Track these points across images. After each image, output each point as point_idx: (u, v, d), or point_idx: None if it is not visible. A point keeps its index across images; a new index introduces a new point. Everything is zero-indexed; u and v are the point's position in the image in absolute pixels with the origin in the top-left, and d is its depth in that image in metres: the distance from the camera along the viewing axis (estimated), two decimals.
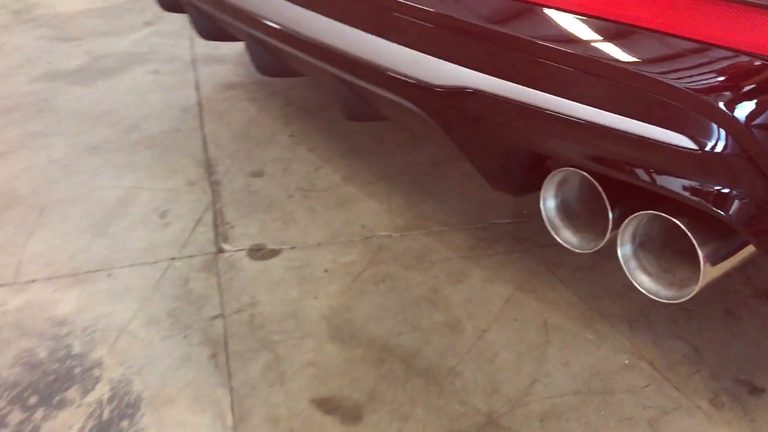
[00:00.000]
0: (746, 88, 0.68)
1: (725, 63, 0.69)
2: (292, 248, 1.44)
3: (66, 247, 1.44)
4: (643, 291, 0.87)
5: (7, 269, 1.39)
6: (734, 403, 1.09)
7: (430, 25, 0.90)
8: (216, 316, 1.27)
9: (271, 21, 1.32)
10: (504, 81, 0.80)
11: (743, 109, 0.68)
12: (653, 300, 0.89)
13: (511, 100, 0.80)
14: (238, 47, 2.33)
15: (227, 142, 1.82)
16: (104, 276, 1.37)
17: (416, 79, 0.89)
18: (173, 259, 1.41)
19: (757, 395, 1.11)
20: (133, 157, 1.76)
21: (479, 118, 0.85)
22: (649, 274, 0.86)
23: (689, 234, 0.76)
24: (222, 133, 1.86)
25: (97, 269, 1.39)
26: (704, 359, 1.17)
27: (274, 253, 1.43)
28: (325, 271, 1.38)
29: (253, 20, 1.38)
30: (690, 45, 0.70)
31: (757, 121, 0.68)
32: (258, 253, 1.43)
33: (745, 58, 0.68)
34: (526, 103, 0.80)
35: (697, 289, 0.78)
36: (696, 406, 1.09)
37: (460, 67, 0.83)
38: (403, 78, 0.91)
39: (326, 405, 1.10)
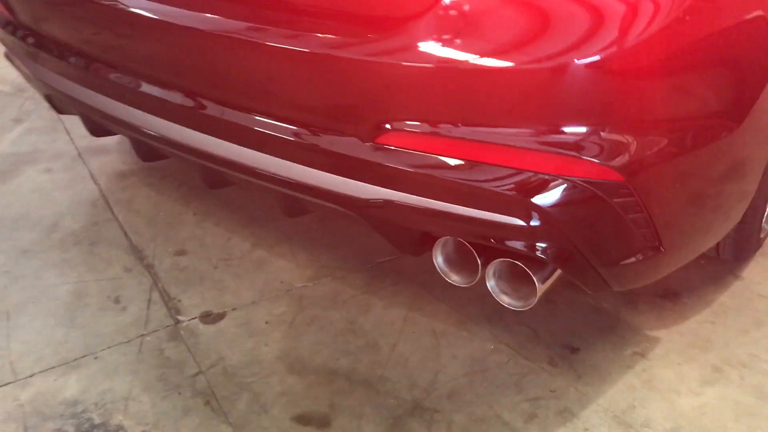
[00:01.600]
0: (543, 190, 1.23)
1: (522, 176, 1.23)
2: (234, 309, 1.86)
3: (46, 342, 1.75)
4: (505, 304, 1.42)
5: (3, 370, 1.68)
6: (563, 360, 1.69)
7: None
8: (197, 373, 1.66)
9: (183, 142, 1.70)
10: (406, 194, 1.31)
11: (542, 199, 1.23)
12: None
13: (411, 205, 1.31)
14: (117, 137, 2.64)
15: (143, 228, 2.17)
16: (91, 359, 1.70)
17: (345, 195, 1.37)
18: (143, 335, 1.77)
19: (576, 353, 1.71)
20: (66, 255, 2.06)
21: (391, 216, 1.36)
22: (506, 294, 1.41)
23: (527, 270, 1.31)
24: (135, 220, 2.21)
25: (82, 355, 1.72)
26: (540, 336, 1.76)
27: (221, 316, 1.84)
28: (266, 323, 1.82)
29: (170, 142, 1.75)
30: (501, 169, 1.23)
31: (551, 204, 1.23)
32: (209, 318, 1.83)
33: (530, 174, 1.22)
34: (419, 207, 1.31)
35: (536, 299, 1.34)
36: (541, 368, 1.67)
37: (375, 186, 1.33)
38: (332, 192, 1.39)
39: (303, 420, 1.55)
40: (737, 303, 1.88)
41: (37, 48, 1.82)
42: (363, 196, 1.35)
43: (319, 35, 1.27)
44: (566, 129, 1.17)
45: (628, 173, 1.20)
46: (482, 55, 1.16)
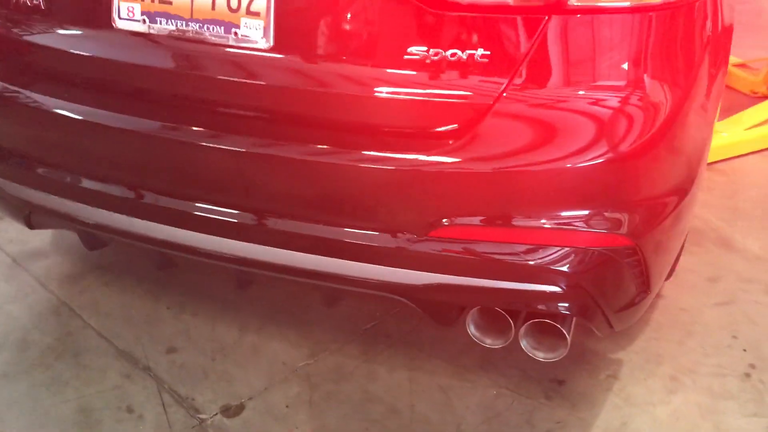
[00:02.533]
0: (576, 260, 1.49)
1: (560, 252, 1.49)
2: (250, 399, 1.94)
3: None
4: (539, 358, 1.66)
5: None
6: (556, 393, 1.96)
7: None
8: None
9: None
10: (455, 276, 1.52)
11: (575, 268, 1.49)
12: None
13: (459, 285, 1.52)
14: (48, 238, 2.57)
15: (122, 330, 2.17)
16: None
17: (396, 283, 1.55)
18: None
19: (563, 384, 2.00)
20: (52, 372, 2.02)
21: (439, 296, 1.56)
22: (537, 349, 1.66)
23: (559, 326, 1.57)
24: (110, 323, 2.19)
25: None
26: (530, 374, 2.02)
27: (241, 407, 1.91)
28: (287, 406, 1.92)
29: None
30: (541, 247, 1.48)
31: (582, 271, 1.49)
32: (229, 411, 1.90)
33: (566, 249, 1.49)
34: (467, 285, 1.53)
35: (567, 349, 1.60)
36: (540, 403, 1.93)
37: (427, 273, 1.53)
38: (382, 282, 1.57)
39: None
40: (667, 319, 2.27)
41: (26, 168, 1.80)
42: (415, 282, 1.54)
43: (387, 154, 1.45)
44: (592, 212, 1.44)
45: (635, 238, 1.50)
46: (521, 162, 1.40)
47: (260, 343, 2.14)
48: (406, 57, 1.41)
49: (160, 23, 1.56)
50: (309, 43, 1.49)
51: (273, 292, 2.31)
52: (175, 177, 1.63)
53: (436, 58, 1.40)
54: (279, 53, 1.49)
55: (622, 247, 1.49)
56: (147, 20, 1.57)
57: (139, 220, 1.67)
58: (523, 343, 1.65)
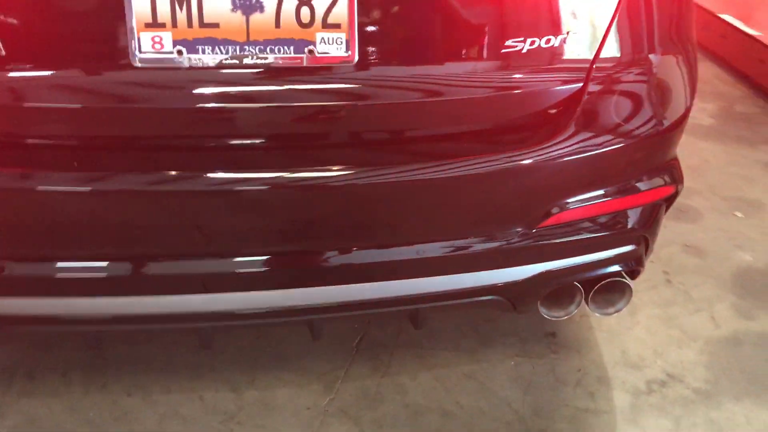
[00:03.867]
0: (648, 216, 1.62)
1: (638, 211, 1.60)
2: None
3: None
4: (610, 314, 1.74)
5: None
6: (558, 346, 2.11)
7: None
8: None
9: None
10: (556, 261, 1.54)
11: (646, 223, 1.63)
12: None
13: (560, 269, 1.55)
14: None
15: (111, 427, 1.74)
16: None
17: (495, 285, 1.51)
18: None
19: (556, 336, 2.14)
20: None
21: (538, 286, 1.57)
22: (605, 308, 1.74)
23: (628, 280, 1.68)
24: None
25: None
26: (527, 338, 2.13)
27: None
28: None
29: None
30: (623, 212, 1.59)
31: (651, 226, 1.63)
32: None
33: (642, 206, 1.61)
34: (566, 267, 1.56)
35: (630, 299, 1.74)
36: (554, 359, 2.06)
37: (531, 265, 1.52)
38: (480, 287, 1.51)
39: None
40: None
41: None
42: (517, 278, 1.53)
43: (501, 155, 1.38)
44: (663, 167, 1.58)
45: (678, 183, 1.67)
46: (618, 135, 1.47)
47: (265, 396, 1.89)
48: (503, 51, 1.37)
49: (205, 52, 1.27)
50: (398, 52, 1.34)
51: (237, 342, 2.04)
52: (260, 232, 1.36)
53: (532, 47, 1.38)
54: (366, 68, 1.32)
55: (672, 194, 1.65)
56: (184, 51, 1.26)
57: (212, 295, 1.37)
58: (591, 307, 1.74)
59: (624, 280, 1.68)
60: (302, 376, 1.96)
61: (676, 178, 1.63)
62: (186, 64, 1.26)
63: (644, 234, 1.63)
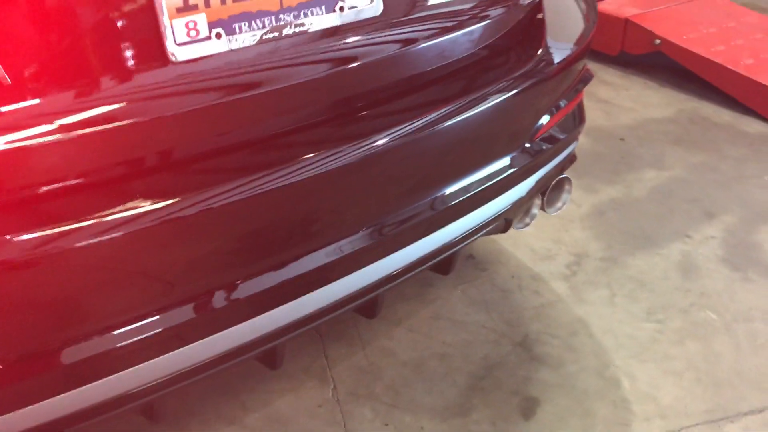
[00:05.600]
0: None
1: None
2: None
3: None
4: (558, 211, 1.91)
5: None
6: (519, 289, 2.24)
7: None
8: None
9: None
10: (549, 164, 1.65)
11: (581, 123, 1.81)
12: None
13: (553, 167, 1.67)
14: None
15: None
16: None
17: None
18: None
19: (474, 259, 2.28)
20: None
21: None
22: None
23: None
24: None
25: None
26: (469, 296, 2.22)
27: None
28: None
29: None
30: None
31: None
32: None
33: None
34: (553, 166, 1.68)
35: None
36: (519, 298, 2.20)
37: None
38: None
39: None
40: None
41: None
42: (523, 193, 1.62)
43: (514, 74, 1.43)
44: (583, 73, 1.77)
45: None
46: (571, 48, 1.61)
47: (269, 414, 1.73)
48: None
49: (243, 30, 1.09)
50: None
51: (184, 401, 1.78)
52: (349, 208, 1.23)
53: None
54: (391, 18, 1.25)
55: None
56: (223, 33, 1.07)
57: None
58: (547, 208, 1.88)
59: (566, 175, 1.86)
60: (290, 380, 1.81)
61: (589, 78, 1.84)
62: (227, 47, 1.08)
63: (580, 129, 1.81)
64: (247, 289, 1.17)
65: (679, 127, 3.13)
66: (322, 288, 1.28)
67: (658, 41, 3.49)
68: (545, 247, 2.33)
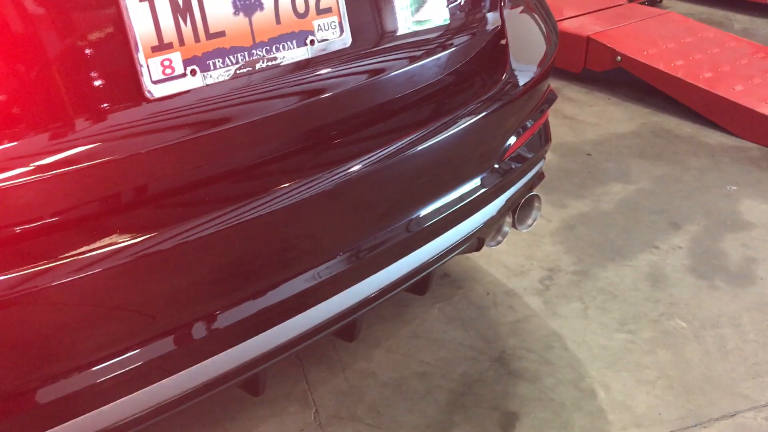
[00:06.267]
0: None
1: None
2: None
3: None
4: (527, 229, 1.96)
5: None
6: (500, 302, 2.28)
7: None
8: None
9: None
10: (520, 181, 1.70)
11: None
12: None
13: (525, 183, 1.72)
14: None
15: None
16: None
17: None
18: None
19: (448, 277, 2.32)
20: None
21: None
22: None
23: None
24: None
25: None
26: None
27: None
28: None
29: None
30: None
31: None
32: None
33: None
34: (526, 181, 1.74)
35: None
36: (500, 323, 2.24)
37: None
38: None
39: None
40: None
41: None
42: (494, 212, 1.67)
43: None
44: (547, 94, 1.83)
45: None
46: (534, 71, 1.67)
47: None
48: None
49: (217, 66, 1.12)
50: (382, 29, 1.34)
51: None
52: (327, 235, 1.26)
53: None
54: (360, 49, 1.30)
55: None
56: (198, 69, 1.10)
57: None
58: (518, 225, 1.93)
59: (535, 193, 1.91)
60: (272, 406, 1.83)
61: (553, 98, 1.90)
62: (202, 83, 1.11)
63: (546, 148, 1.86)
64: (226, 318, 1.19)
65: (643, 141, 3.21)
66: (301, 314, 1.30)
67: (619, 58, 3.59)
68: (518, 263, 2.37)
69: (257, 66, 1.17)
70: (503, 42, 1.59)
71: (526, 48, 1.68)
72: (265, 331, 1.26)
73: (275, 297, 1.23)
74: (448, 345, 2.03)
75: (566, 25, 3.82)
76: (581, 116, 3.47)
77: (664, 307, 2.18)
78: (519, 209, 1.88)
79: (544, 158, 1.90)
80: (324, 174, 1.22)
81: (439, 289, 2.24)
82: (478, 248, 1.83)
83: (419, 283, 1.70)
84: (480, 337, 2.06)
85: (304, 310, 1.31)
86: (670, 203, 2.71)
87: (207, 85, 1.12)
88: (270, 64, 1.18)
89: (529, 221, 1.96)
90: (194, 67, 1.10)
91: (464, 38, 1.51)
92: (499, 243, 1.93)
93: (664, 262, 2.38)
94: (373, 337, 2.05)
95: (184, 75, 1.09)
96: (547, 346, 2.03)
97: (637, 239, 2.50)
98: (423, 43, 1.41)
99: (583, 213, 2.66)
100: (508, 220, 1.89)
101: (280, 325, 1.28)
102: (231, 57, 1.14)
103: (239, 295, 1.21)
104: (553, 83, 4.25)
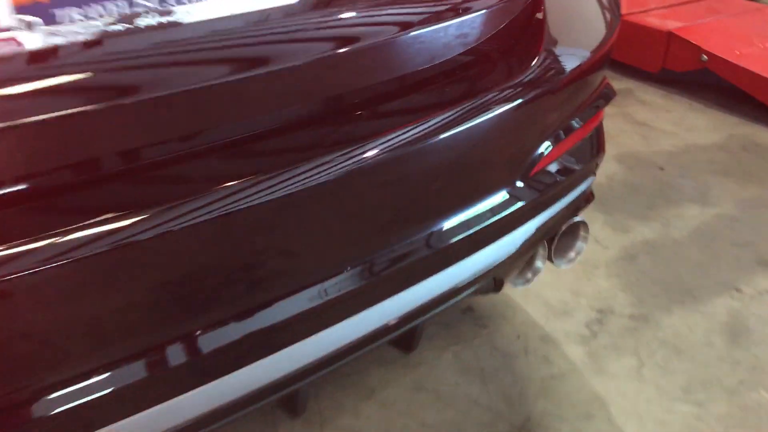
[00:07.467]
0: None
1: None
2: None
3: None
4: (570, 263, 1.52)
5: None
6: (486, 320, 1.86)
7: None
8: None
9: None
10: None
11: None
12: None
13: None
14: None
15: None
16: None
17: None
18: None
19: (473, 312, 1.89)
20: None
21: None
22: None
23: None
24: None
25: None
26: (453, 325, 1.85)
27: None
28: None
29: None
30: None
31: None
32: None
33: None
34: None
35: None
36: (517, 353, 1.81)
37: None
38: None
39: None
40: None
41: None
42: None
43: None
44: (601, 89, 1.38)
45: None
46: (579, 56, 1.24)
47: None
48: None
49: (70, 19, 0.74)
50: None
51: None
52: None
53: None
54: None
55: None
56: (38, 21, 0.72)
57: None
58: (556, 260, 1.49)
59: (581, 218, 1.47)
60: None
61: (610, 96, 1.45)
62: (40, 42, 0.73)
63: (598, 161, 1.42)
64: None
65: (729, 156, 2.70)
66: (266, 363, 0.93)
67: (705, 57, 3.07)
68: (562, 300, 1.93)
69: (136, 22, 0.78)
70: (539, 16, 1.16)
71: (573, 27, 1.25)
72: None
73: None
74: (459, 403, 1.61)
75: (644, 18, 3.31)
76: (655, 123, 2.96)
77: (744, 371, 1.70)
78: (557, 239, 1.45)
79: (594, 175, 1.46)
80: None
81: (458, 327, 1.81)
82: (496, 290, 1.41)
83: (403, 337, 1.29)
84: (501, 395, 1.63)
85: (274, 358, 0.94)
86: (759, 234, 2.21)
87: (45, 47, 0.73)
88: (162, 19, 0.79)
89: (572, 255, 1.51)
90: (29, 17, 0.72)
91: (487, 4, 1.08)
92: (528, 282, 1.49)
93: (748, 311, 1.89)
94: (366, 384, 1.65)
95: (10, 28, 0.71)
96: (585, 415, 1.58)
97: (715, 278, 2.01)
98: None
99: (648, 240, 2.18)
100: (543, 252, 1.45)
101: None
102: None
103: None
104: (625, 83, 3.70)
